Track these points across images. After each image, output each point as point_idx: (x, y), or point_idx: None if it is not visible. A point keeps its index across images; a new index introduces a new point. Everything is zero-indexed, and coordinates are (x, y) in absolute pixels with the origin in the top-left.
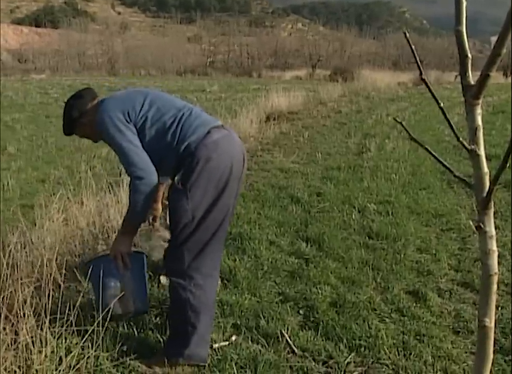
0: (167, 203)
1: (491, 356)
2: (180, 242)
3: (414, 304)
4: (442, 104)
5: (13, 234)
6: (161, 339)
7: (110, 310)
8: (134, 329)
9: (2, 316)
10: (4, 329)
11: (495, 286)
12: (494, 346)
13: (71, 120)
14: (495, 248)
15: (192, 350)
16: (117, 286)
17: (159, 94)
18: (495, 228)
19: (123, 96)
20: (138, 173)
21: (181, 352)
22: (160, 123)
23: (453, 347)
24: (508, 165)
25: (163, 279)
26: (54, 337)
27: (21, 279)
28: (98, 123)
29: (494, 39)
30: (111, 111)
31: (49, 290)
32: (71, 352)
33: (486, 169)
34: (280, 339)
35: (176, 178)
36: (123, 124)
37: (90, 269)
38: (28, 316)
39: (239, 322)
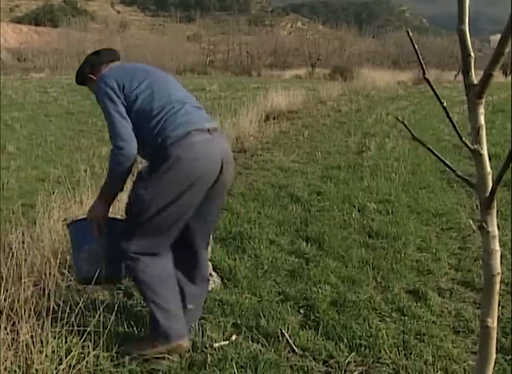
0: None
1: (493, 356)
2: (129, 226)
3: (414, 303)
4: (444, 103)
5: (13, 233)
6: None
7: (80, 272)
8: (135, 329)
9: (3, 315)
10: (4, 328)
11: (497, 287)
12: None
13: (81, 73)
14: (497, 247)
15: (165, 327)
16: (91, 250)
17: (163, 79)
18: None
19: (127, 69)
20: (120, 144)
21: (158, 332)
22: (147, 108)
23: (453, 347)
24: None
25: None
26: (55, 337)
27: (21, 279)
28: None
29: (493, 38)
30: (108, 78)
31: (49, 290)
32: (71, 352)
33: (489, 169)
34: (280, 338)
35: (144, 168)
36: (115, 95)
37: (69, 232)
38: (28, 316)
39: (239, 321)
